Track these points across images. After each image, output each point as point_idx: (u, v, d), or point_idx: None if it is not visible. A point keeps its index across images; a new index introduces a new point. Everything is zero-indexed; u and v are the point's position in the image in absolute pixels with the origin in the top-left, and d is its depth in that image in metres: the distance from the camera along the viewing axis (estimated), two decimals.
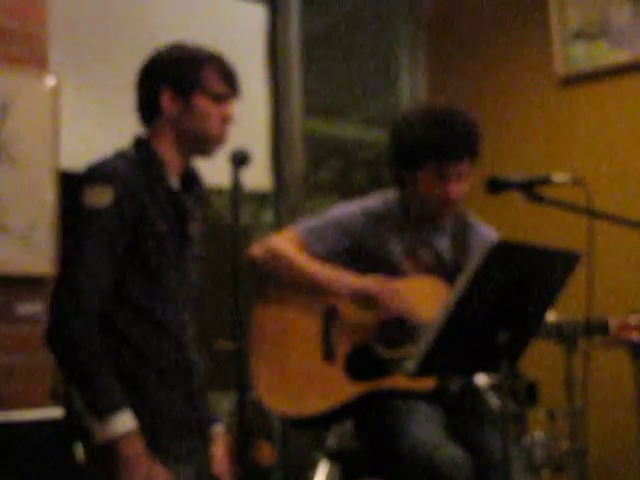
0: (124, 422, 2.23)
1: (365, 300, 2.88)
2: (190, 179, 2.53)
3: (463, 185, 2.91)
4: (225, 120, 2.48)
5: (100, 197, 2.31)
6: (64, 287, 2.29)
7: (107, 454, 2.23)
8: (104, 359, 2.26)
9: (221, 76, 2.48)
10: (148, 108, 2.49)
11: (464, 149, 2.88)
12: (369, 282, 2.88)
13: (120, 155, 2.43)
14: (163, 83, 2.45)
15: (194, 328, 2.49)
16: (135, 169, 2.39)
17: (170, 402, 2.37)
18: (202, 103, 2.45)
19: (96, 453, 2.28)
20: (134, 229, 2.33)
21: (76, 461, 2.38)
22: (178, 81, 2.45)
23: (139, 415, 2.27)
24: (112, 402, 2.24)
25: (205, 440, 2.47)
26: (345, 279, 2.90)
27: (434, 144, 2.86)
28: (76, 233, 2.33)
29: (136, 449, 2.24)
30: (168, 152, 2.46)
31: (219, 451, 2.53)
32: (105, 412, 2.22)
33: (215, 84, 2.47)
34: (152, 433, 2.29)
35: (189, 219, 2.47)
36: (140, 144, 2.47)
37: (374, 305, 2.87)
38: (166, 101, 2.45)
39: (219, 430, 2.54)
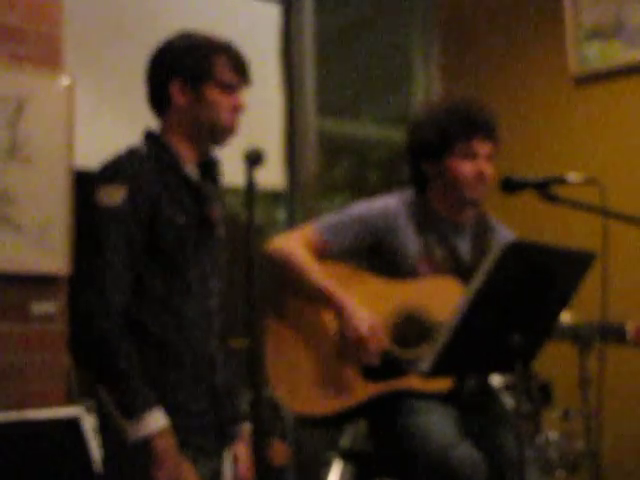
0: (156, 420, 2.24)
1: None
2: (209, 166, 2.53)
3: (492, 167, 2.94)
4: (236, 109, 2.47)
5: (113, 196, 2.31)
6: (88, 288, 2.29)
7: (139, 452, 2.24)
8: (133, 356, 2.27)
9: (232, 65, 2.46)
10: (158, 99, 2.48)
11: (489, 126, 2.94)
12: (358, 316, 2.83)
13: (131, 152, 2.43)
14: (173, 74, 2.43)
15: (220, 317, 2.48)
16: (147, 164, 2.39)
17: (191, 397, 2.36)
18: (213, 94, 2.43)
19: (124, 451, 2.28)
20: (151, 225, 2.33)
21: (91, 460, 2.39)
22: (188, 72, 2.43)
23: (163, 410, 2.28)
24: (144, 401, 2.24)
25: (225, 439, 2.46)
26: (339, 299, 2.86)
27: (461, 123, 2.91)
28: (93, 234, 2.33)
29: (168, 445, 2.25)
30: (180, 143, 2.45)
31: (242, 453, 2.51)
32: (137, 411, 2.23)
33: (226, 74, 2.45)
34: (175, 428, 2.29)
35: (209, 204, 2.47)
36: (150, 138, 2.47)
37: (345, 333, 2.86)
38: (176, 92, 2.43)
39: (245, 430, 2.52)
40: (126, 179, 2.33)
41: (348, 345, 2.85)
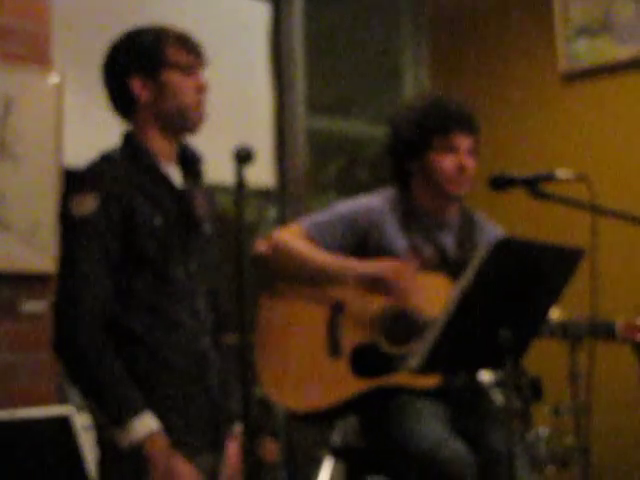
0: (145, 424, 2.24)
1: (372, 284, 2.89)
2: (189, 160, 2.52)
3: (473, 161, 2.95)
4: (200, 90, 2.45)
5: (85, 205, 2.30)
6: (64, 299, 2.29)
7: (132, 458, 2.24)
8: (114, 365, 2.26)
9: (183, 47, 2.45)
10: (123, 101, 2.46)
11: (466, 120, 2.96)
12: (376, 265, 2.88)
13: (105, 157, 2.41)
14: (130, 72, 2.42)
15: (210, 314, 2.47)
16: (121, 168, 2.38)
17: (182, 397, 2.35)
18: (173, 78, 2.42)
19: (120, 458, 2.28)
20: (128, 230, 2.32)
21: (82, 458, 2.39)
22: (144, 65, 2.42)
23: (151, 412, 2.27)
24: (130, 407, 2.24)
25: (219, 439, 2.45)
26: (352, 265, 2.90)
27: (438, 117, 2.94)
28: (67, 244, 2.33)
29: (160, 448, 2.25)
30: (155, 140, 2.44)
31: (232, 453, 2.50)
32: (124, 418, 2.23)
33: (179, 56, 2.44)
34: (168, 429, 2.28)
35: (193, 202, 2.46)
36: (126, 139, 2.46)
37: (381, 287, 2.87)
38: (138, 88, 2.42)
39: (236, 432, 2.51)
40: (97, 186, 2.32)
41: (386, 285, 2.87)
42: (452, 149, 2.94)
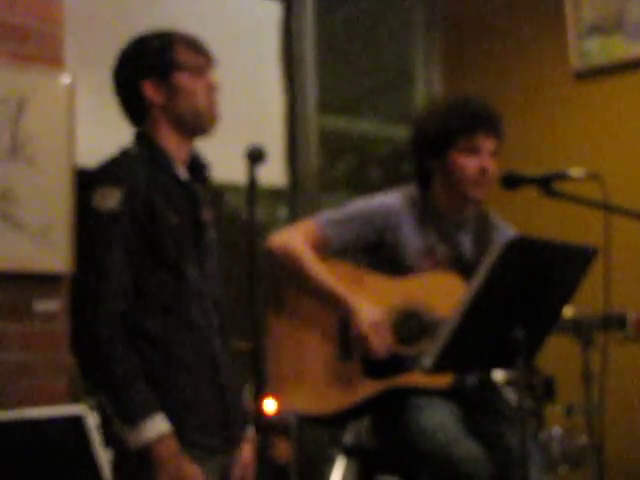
0: (156, 426, 2.24)
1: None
2: (197, 166, 2.52)
3: (495, 163, 2.94)
4: (211, 89, 2.46)
5: (109, 199, 2.30)
6: (85, 294, 2.29)
7: (141, 457, 2.24)
8: (131, 363, 2.27)
9: (191, 49, 2.47)
10: (136, 107, 2.47)
11: (492, 122, 2.95)
12: (358, 318, 2.84)
13: (125, 153, 2.42)
14: (141, 77, 2.43)
15: (218, 317, 2.48)
16: (141, 165, 2.39)
17: (197, 397, 2.36)
18: (184, 80, 2.43)
19: (129, 457, 2.28)
20: (148, 227, 2.33)
21: (96, 458, 2.39)
22: (154, 69, 2.43)
23: (166, 411, 2.27)
24: (143, 408, 2.24)
25: (231, 439, 2.45)
26: (341, 299, 2.87)
27: (464, 117, 2.92)
28: (90, 238, 2.33)
29: (170, 451, 2.25)
30: (169, 142, 2.44)
31: (246, 455, 2.50)
32: (136, 418, 2.23)
33: (189, 58, 2.45)
34: (179, 428, 2.29)
35: (201, 206, 2.47)
36: (142, 138, 2.46)
37: (349, 333, 2.87)
38: (150, 92, 2.43)
39: (250, 434, 2.50)
40: (121, 181, 2.32)
41: (353, 341, 2.86)
42: (475, 150, 2.92)
